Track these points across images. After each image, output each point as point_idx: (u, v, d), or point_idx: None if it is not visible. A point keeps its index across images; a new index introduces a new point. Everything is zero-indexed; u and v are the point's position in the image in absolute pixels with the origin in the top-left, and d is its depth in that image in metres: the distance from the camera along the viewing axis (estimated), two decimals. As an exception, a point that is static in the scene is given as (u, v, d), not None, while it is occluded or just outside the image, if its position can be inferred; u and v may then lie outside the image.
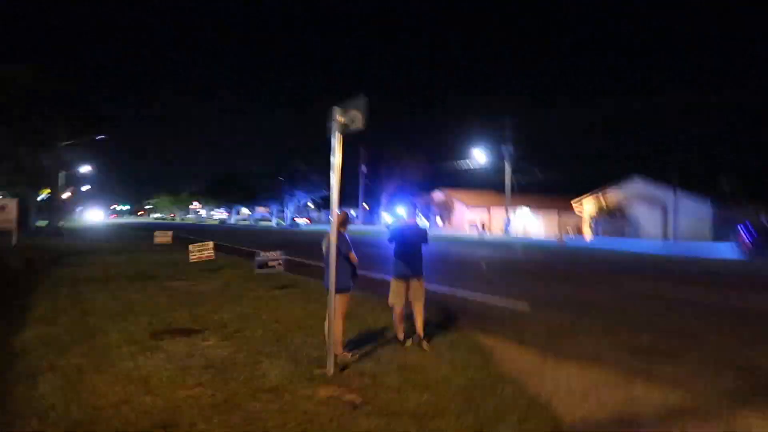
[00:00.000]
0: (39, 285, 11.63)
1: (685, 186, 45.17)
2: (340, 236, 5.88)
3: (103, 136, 44.47)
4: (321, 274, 6.06)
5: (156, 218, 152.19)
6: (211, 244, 15.31)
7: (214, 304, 9.21)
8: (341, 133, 5.49)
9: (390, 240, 6.85)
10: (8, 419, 4.33)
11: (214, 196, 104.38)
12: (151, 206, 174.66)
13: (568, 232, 55.78)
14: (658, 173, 47.88)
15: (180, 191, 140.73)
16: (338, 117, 5.45)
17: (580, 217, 55.89)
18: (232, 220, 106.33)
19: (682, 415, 4.78)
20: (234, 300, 9.63)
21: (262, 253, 12.29)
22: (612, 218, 49.75)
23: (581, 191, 54.48)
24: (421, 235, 6.88)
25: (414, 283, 6.75)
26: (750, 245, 26.60)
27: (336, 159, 5.45)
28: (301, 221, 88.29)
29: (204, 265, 14.77)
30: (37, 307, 9.14)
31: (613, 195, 51.01)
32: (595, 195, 52.62)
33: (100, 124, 45.30)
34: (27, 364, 5.76)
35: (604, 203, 51.30)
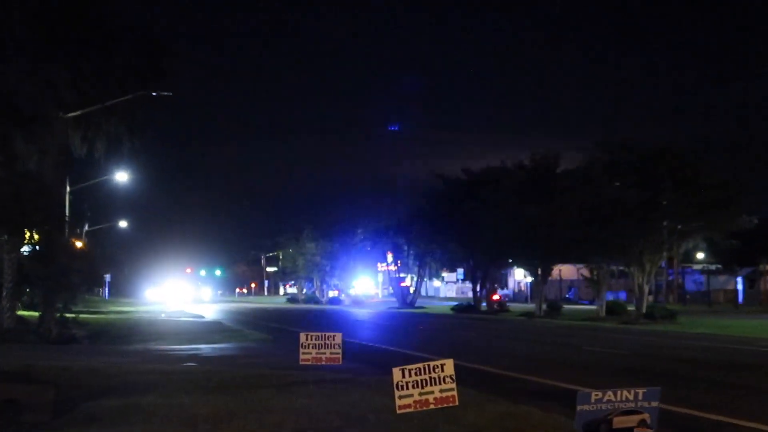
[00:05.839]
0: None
1: None
2: None
3: (165, 93, 31.41)
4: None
5: (290, 299, 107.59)
6: (448, 366, 10.74)
7: None
8: None
9: None
10: None
11: (437, 239, 69.82)
12: (276, 268, 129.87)
13: None
14: None
15: (342, 231, 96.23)
16: None
17: None
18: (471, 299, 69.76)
19: None
20: None
21: (592, 394, 7.57)
22: None
23: None
24: None
25: None
26: None
27: None
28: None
29: (434, 423, 10.84)
30: None
31: None
32: None
33: (151, 67, 31.25)
34: None
35: None
